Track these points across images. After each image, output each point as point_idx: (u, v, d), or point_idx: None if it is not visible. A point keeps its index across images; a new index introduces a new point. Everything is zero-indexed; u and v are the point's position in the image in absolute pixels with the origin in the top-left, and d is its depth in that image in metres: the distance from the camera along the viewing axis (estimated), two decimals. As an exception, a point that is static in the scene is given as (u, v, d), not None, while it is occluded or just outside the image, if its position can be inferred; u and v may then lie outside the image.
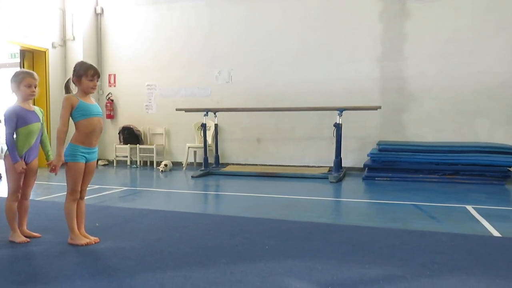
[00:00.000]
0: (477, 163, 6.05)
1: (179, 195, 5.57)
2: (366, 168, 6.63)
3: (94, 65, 3.01)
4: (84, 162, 2.98)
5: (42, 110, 3.24)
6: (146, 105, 8.85)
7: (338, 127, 6.56)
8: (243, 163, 8.15)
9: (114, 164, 8.84)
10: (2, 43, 7.63)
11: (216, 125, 7.77)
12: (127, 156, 8.74)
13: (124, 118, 8.95)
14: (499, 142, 6.59)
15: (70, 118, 2.93)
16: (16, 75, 3.07)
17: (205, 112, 7.37)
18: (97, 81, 2.99)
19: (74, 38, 8.68)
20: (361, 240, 3.13)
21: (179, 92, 8.57)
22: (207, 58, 8.34)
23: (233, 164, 8.11)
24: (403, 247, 2.94)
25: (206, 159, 7.38)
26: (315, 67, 7.66)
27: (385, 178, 6.36)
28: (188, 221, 3.76)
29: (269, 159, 8.02)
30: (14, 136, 3.01)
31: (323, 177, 6.58)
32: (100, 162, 8.78)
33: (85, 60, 3.12)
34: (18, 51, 8.31)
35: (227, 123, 8.14)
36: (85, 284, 2.28)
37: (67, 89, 3.03)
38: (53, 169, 2.95)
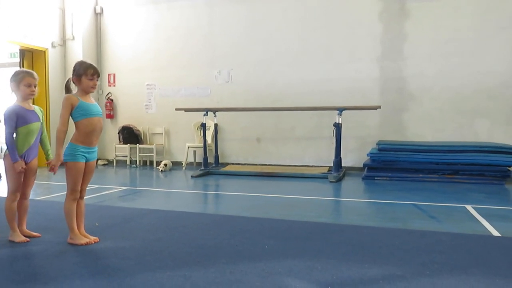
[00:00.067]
0: (477, 162, 6.05)
1: (179, 194, 5.57)
2: (366, 168, 6.62)
3: (94, 64, 3.02)
4: (84, 161, 2.99)
5: (42, 109, 3.24)
6: (146, 105, 8.85)
7: (338, 126, 6.56)
8: (243, 162, 8.15)
9: (114, 164, 8.83)
10: (1, 43, 7.63)
11: (215, 125, 7.77)
12: (126, 156, 8.74)
13: (124, 118, 8.95)
14: (499, 142, 6.59)
15: (70, 118, 2.93)
16: (16, 74, 3.07)
17: (204, 112, 7.37)
18: (97, 80, 2.99)
19: (73, 38, 8.68)
20: (361, 239, 3.13)
21: (179, 92, 8.57)
22: (207, 58, 8.34)
23: (232, 163, 8.11)
24: (402, 246, 2.94)
25: (205, 158, 7.38)
26: (315, 67, 7.66)
27: (384, 178, 6.36)
28: (188, 221, 3.76)
29: (269, 158, 8.02)
30: (14, 135, 3.01)
31: (322, 177, 6.58)
32: (99, 162, 8.78)
33: (84, 60, 3.12)
34: (18, 51, 8.31)
35: (226, 122, 8.14)
36: (85, 284, 2.28)
37: (67, 89, 3.03)
38: (52, 169, 2.96)
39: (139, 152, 8.66)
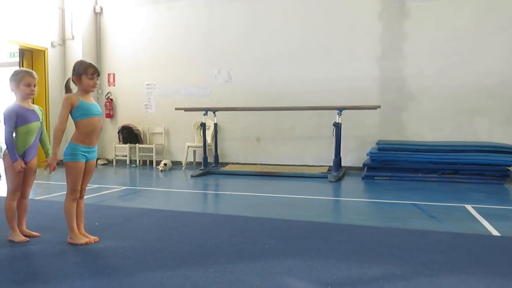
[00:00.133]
0: (477, 162, 6.05)
1: (179, 194, 5.57)
2: (366, 168, 6.63)
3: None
4: (84, 161, 2.98)
5: (41, 109, 3.24)
6: (146, 105, 8.85)
7: (337, 126, 6.56)
8: (243, 162, 8.15)
9: (114, 164, 8.83)
10: (1, 42, 7.62)
11: (215, 125, 7.77)
12: (126, 156, 8.74)
13: (124, 118, 8.94)
14: (498, 141, 6.59)
15: (70, 117, 2.93)
16: (15, 74, 3.07)
17: (204, 112, 7.37)
18: (97, 79, 2.99)
19: (73, 38, 8.67)
20: (361, 239, 3.13)
21: (179, 92, 8.57)
22: (206, 58, 8.34)
23: (232, 163, 8.11)
24: (402, 246, 2.94)
25: (205, 158, 7.37)
26: (315, 66, 7.66)
27: (384, 178, 6.36)
28: (188, 220, 3.76)
29: (268, 158, 8.02)
30: (14, 135, 3.01)
31: (322, 177, 6.58)
32: (99, 162, 8.78)
33: (84, 59, 3.12)
34: (17, 50, 8.30)
35: (226, 122, 8.14)
36: (85, 283, 2.28)
37: (67, 88, 3.03)
38: (48, 167, 2.96)
39: (139, 152, 8.66)
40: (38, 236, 3.19)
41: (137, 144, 8.61)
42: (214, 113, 7.62)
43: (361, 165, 6.88)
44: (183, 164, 8.14)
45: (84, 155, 2.97)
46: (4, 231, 3.17)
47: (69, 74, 3.01)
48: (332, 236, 3.23)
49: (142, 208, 4.35)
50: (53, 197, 4.99)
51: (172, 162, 8.20)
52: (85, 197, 3.15)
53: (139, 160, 8.72)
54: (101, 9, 9.01)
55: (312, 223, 3.70)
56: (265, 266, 2.53)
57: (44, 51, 8.26)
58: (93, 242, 3.02)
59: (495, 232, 3.39)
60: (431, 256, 2.72)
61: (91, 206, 4.20)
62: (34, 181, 3.27)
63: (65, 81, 3.04)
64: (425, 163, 6.27)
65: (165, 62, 8.59)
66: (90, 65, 2.96)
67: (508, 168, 6.06)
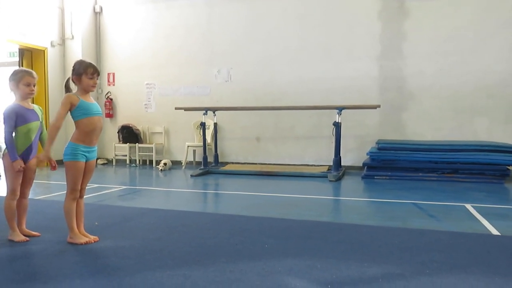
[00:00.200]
0: (476, 161, 6.05)
1: (179, 194, 5.57)
2: (365, 167, 6.63)
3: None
4: (84, 161, 2.98)
5: (41, 108, 3.24)
6: (145, 104, 8.84)
7: (337, 125, 6.56)
8: (243, 162, 8.15)
9: (113, 163, 8.83)
10: (1, 42, 7.61)
11: (215, 124, 7.76)
12: (126, 155, 8.74)
13: (123, 117, 8.94)
14: (498, 140, 6.60)
15: (71, 117, 2.93)
16: (15, 73, 3.06)
17: (204, 111, 7.37)
18: (97, 79, 2.99)
19: (73, 37, 8.66)
20: (361, 238, 3.13)
21: (178, 91, 8.57)
22: (206, 57, 8.33)
23: (232, 163, 8.11)
24: (402, 245, 2.94)
25: (205, 158, 7.38)
26: (314, 65, 7.66)
27: (384, 177, 6.37)
28: (188, 220, 3.76)
29: (268, 158, 8.02)
30: (13, 134, 3.01)
31: (322, 176, 6.58)
32: (99, 161, 8.77)
33: (84, 59, 3.12)
34: (17, 50, 8.30)
35: (226, 122, 8.14)
36: (85, 283, 2.28)
37: (67, 88, 3.03)
38: (39, 163, 3.00)
39: (139, 151, 8.65)
40: (38, 236, 3.19)
41: (137, 143, 8.61)
42: (214, 112, 7.62)
43: (361, 165, 6.88)
44: (183, 164, 8.14)
45: (84, 155, 2.97)
46: (4, 230, 3.17)
47: (69, 74, 3.01)
48: (332, 236, 3.23)
49: (142, 207, 4.35)
50: (53, 197, 4.99)
51: (172, 161, 8.20)
52: (85, 196, 3.15)
53: (139, 160, 8.72)
54: (101, 8, 9.01)
55: (312, 222, 3.70)
56: (265, 266, 2.53)
57: (44, 51, 8.26)
58: (93, 241, 3.02)
59: (494, 231, 3.39)
60: (430, 255, 2.72)
61: (91, 206, 4.20)
62: (34, 181, 3.27)
63: (65, 81, 3.04)
64: (425, 162, 6.27)
65: (165, 61, 8.58)
66: (90, 64, 2.96)
67: (508, 167, 6.06)
